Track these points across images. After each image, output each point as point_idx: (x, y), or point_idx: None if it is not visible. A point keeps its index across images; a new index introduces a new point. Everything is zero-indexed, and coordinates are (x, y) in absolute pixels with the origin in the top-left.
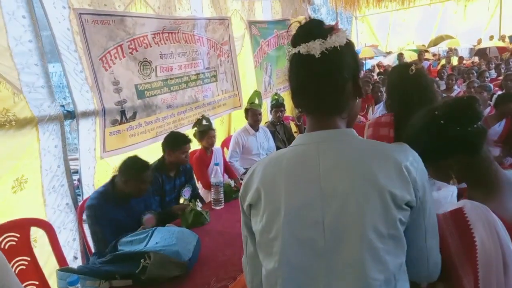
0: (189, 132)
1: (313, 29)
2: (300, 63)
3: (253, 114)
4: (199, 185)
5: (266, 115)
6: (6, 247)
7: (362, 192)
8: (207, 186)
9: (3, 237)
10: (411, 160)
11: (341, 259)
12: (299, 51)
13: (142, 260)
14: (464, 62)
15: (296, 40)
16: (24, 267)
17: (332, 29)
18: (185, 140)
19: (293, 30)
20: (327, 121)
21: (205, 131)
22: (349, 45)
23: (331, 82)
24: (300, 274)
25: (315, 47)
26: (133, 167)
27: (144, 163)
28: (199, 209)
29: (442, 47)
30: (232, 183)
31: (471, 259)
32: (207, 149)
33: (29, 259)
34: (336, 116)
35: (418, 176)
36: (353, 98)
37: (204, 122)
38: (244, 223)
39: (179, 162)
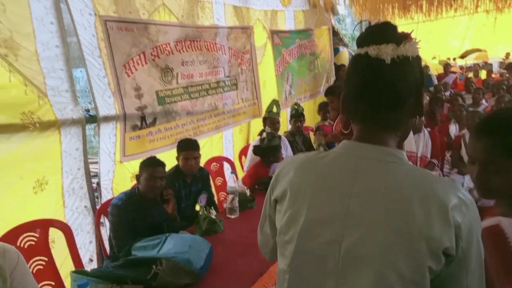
0: (207, 140)
1: (387, 31)
2: (365, 66)
3: (271, 123)
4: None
5: (286, 125)
6: (26, 246)
7: (392, 227)
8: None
9: (22, 236)
10: (460, 203)
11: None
12: (367, 53)
13: (154, 266)
14: (493, 75)
15: (366, 39)
16: (41, 267)
17: (406, 37)
18: (189, 145)
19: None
20: (378, 135)
21: (276, 146)
22: (419, 58)
23: (395, 94)
24: (306, 285)
25: (387, 52)
26: (146, 161)
27: (158, 160)
28: (213, 217)
29: (469, 60)
30: (247, 192)
31: None
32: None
33: (46, 259)
34: (390, 132)
35: (465, 223)
36: (412, 116)
37: (270, 137)
38: (267, 209)
39: (185, 168)
